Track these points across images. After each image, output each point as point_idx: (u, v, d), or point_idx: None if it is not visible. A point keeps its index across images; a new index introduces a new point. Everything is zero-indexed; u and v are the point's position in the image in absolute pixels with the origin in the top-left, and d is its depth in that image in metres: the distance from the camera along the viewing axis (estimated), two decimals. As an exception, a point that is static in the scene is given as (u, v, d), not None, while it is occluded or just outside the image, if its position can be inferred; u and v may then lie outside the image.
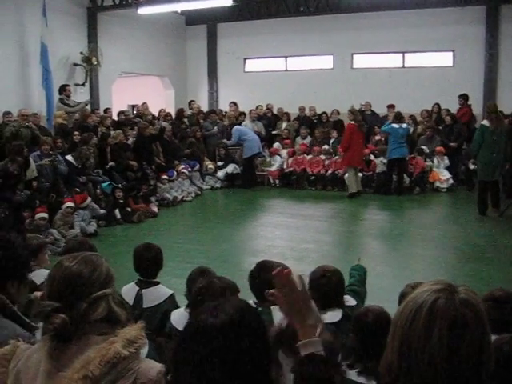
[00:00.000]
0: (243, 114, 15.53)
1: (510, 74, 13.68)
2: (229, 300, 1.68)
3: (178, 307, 4.01)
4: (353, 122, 12.67)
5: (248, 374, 1.50)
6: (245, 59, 18.01)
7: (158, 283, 4.29)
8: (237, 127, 14.27)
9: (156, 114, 14.94)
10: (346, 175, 13.02)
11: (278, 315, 3.16)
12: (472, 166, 10.38)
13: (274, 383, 1.69)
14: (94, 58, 13.71)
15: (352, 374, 2.64)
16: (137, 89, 17.98)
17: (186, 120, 14.93)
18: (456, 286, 1.43)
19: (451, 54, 15.76)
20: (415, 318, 1.38)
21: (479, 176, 10.59)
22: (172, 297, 4.25)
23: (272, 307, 3.26)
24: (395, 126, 12.52)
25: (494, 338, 2.80)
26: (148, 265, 4.25)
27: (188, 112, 15.65)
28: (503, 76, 14.95)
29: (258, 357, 1.54)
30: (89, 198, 9.80)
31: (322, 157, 13.82)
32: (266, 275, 3.38)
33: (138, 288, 4.23)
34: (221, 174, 14.00)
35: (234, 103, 16.10)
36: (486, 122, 10.39)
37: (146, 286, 4.24)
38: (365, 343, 2.66)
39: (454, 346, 1.34)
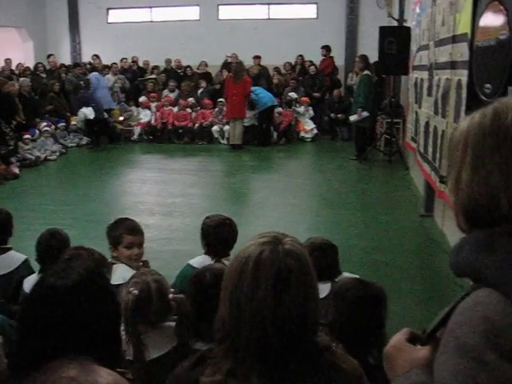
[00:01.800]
0: (107, 67, 14.99)
1: (369, 26, 14.21)
2: (77, 261, 1.68)
3: (33, 273, 3.90)
4: (230, 74, 12.80)
5: (97, 334, 1.53)
6: (108, 9, 17.26)
7: (9, 249, 4.12)
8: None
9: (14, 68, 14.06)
10: (226, 127, 13.18)
11: (118, 273, 3.21)
12: (365, 114, 10.86)
13: (119, 344, 1.73)
14: None
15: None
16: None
17: (43, 75, 14.15)
18: (282, 238, 1.45)
19: (315, 6, 16.11)
20: (243, 271, 1.39)
21: (363, 124, 11.13)
22: (26, 262, 4.09)
23: (115, 265, 3.32)
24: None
25: (324, 284, 3.03)
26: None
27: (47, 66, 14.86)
28: (363, 28, 15.53)
29: (107, 316, 1.57)
30: None
31: (189, 110, 13.77)
32: (109, 232, 3.48)
33: (-13, 255, 4.05)
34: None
35: (97, 56, 15.46)
36: (368, 72, 10.86)
37: (-4, 253, 4.07)
38: (200, 305, 2.45)
39: (280, 296, 1.36)
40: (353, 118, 11.30)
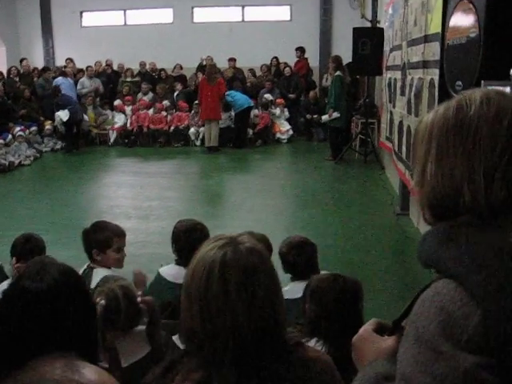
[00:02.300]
0: (81, 70, 14.88)
1: (343, 28, 14.31)
2: (52, 263, 1.66)
3: (7, 278, 3.85)
4: (203, 76, 12.85)
5: (74, 334, 1.52)
6: (81, 13, 17.14)
7: (-17, 255, 4.08)
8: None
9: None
10: (201, 129, 13.16)
11: (99, 277, 3.19)
12: (336, 115, 10.94)
13: (97, 344, 1.72)
14: None
15: None
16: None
17: (17, 79, 14.01)
18: (237, 237, 1.46)
19: (288, 7, 16.20)
20: (209, 277, 1.38)
21: (336, 124, 11.15)
22: (0, 268, 4.06)
23: (95, 269, 3.29)
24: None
25: (301, 283, 3.04)
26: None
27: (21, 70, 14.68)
28: (337, 29, 15.66)
29: (82, 319, 1.55)
30: None
31: (164, 113, 13.72)
32: (91, 236, 3.40)
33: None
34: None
35: (71, 60, 15.33)
36: (340, 73, 10.93)
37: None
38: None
39: (252, 296, 1.37)
40: (324, 117, 11.44)
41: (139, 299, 2.46)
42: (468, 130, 1.08)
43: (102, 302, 2.33)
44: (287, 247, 3.32)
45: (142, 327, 2.47)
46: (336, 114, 10.98)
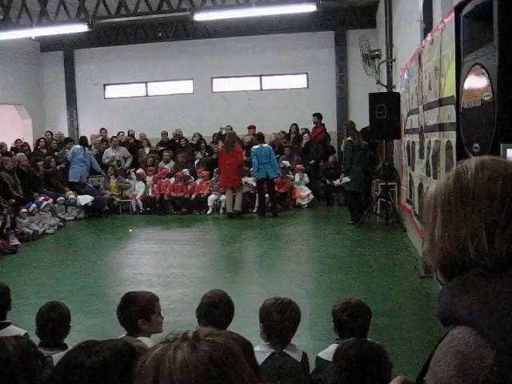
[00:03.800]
0: (105, 140, 15.30)
1: (359, 93, 14.61)
2: (111, 340, 1.62)
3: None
4: (222, 145, 13.08)
5: None
6: (104, 85, 17.76)
7: (8, 324, 4.09)
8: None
9: (11, 145, 14.30)
10: (222, 197, 13.29)
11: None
12: (346, 179, 11.07)
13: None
14: None
15: None
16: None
17: (44, 150, 14.43)
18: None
19: (305, 76, 16.59)
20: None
21: (351, 187, 11.23)
22: (26, 336, 4.07)
23: (142, 337, 3.25)
24: (256, 146, 12.83)
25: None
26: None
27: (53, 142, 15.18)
28: (353, 96, 16.00)
29: None
30: None
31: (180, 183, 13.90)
32: (132, 307, 3.39)
33: (-14, 332, 4.01)
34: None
35: (105, 130, 16.09)
36: (350, 138, 11.07)
37: (-4, 328, 4.03)
38: None
39: None
40: (336, 182, 11.80)
41: None
42: (467, 195, 1.20)
43: None
44: (342, 307, 3.29)
45: None
46: (346, 179, 11.08)
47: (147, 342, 3.17)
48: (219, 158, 13.05)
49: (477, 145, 3.10)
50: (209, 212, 13.43)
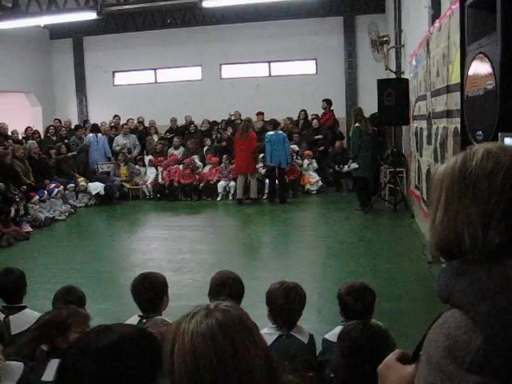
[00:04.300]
0: (115, 127, 15.40)
1: (368, 79, 14.57)
2: (121, 324, 1.68)
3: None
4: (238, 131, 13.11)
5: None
6: (113, 72, 17.81)
7: (24, 307, 4.20)
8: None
9: (21, 132, 14.41)
10: (231, 183, 13.43)
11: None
12: (354, 166, 11.14)
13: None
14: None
15: None
16: (1, 106, 17.18)
17: (54, 137, 14.55)
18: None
19: (314, 62, 16.56)
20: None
21: (359, 174, 11.30)
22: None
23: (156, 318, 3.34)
24: (271, 133, 12.72)
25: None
26: (9, 290, 4.16)
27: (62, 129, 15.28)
28: (362, 81, 15.95)
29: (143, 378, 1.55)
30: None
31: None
32: (154, 285, 3.56)
33: (3, 315, 4.13)
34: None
35: (118, 116, 16.21)
36: (358, 125, 11.09)
37: (12, 311, 4.15)
38: None
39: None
40: (345, 168, 11.96)
41: None
42: (469, 183, 1.23)
43: None
44: (347, 290, 3.37)
45: None
46: (354, 165, 11.12)
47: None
48: (234, 144, 13.09)
49: (480, 132, 3.16)
50: (218, 198, 13.53)
